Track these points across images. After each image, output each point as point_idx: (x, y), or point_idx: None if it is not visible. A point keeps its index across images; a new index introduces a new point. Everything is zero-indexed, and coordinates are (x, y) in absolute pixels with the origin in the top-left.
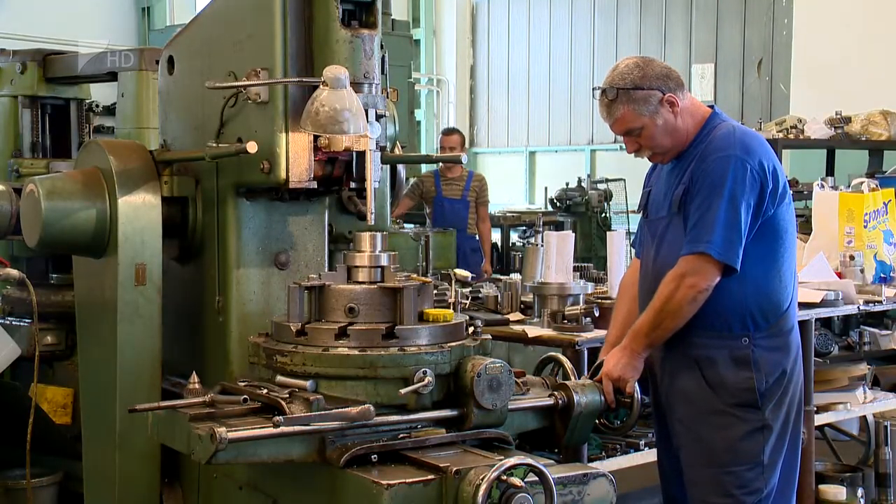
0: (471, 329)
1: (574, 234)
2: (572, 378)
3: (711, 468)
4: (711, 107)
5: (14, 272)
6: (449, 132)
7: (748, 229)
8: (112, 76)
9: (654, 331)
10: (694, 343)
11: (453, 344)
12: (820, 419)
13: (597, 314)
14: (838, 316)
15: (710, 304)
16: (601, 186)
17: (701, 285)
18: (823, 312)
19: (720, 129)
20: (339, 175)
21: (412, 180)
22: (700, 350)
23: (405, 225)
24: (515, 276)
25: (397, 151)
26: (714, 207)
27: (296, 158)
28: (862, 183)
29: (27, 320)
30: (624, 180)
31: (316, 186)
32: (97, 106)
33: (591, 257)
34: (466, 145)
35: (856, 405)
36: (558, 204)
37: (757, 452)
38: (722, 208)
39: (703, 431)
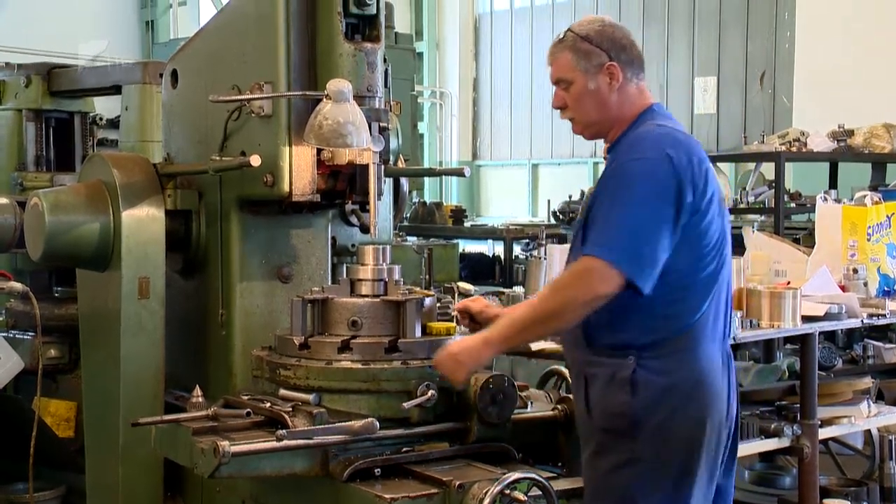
0: None
1: None
2: None
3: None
4: (659, 104)
5: (18, 285)
6: None
7: (646, 232)
8: (116, 89)
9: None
10: (582, 360)
11: None
12: (824, 433)
13: None
14: (842, 329)
15: (596, 315)
16: None
17: (593, 290)
18: (827, 326)
19: (642, 128)
20: (342, 188)
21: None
22: (587, 368)
23: (408, 238)
24: (518, 289)
25: (400, 164)
26: (604, 211)
27: (299, 172)
28: (865, 196)
29: (31, 333)
30: None
31: (319, 199)
32: (101, 119)
33: None
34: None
35: (860, 419)
36: (561, 217)
37: (620, 488)
38: (610, 210)
39: (583, 459)
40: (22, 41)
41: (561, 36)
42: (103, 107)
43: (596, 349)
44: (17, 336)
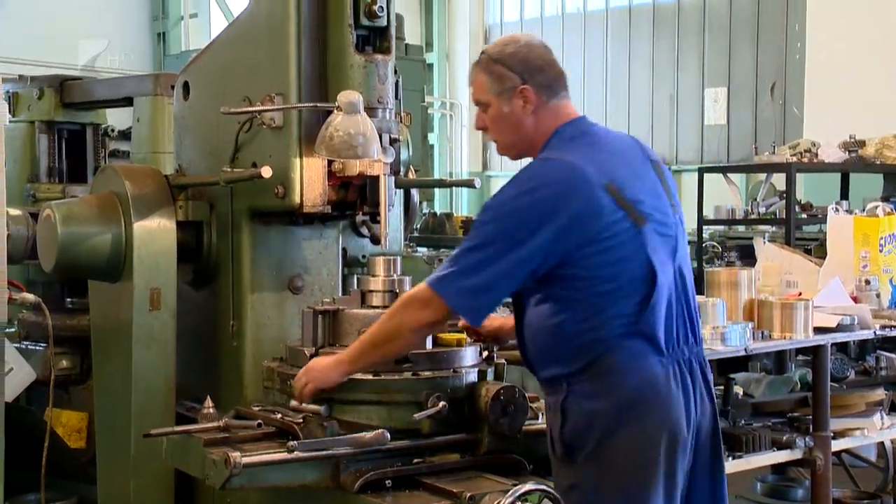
0: (485, 353)
1: None
2: None
3: None
4: (575, 120)
5: (30, 296)
6: None
7: (483, 265)
8: (128, 101)
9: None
10: (540, 389)
11: (467, 368)
12: (837, 445)
13: None
14: (854, 341)
15: (528, 350)
16: None
17: (419, 319)
18: (839, 337)
19: (535, 160)
20: (353, 199)
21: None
22: (544, 397)
23: (418, 248)
24: None
25: (411, 175)
26: (464, 241)
27: (310, 183)
28: (877, 207)
29: (42, 344)
30: None
31: (330, 211)
32: (113, 131)
33: None
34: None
35: (873, 431)
36: None
37: None
38: (464, 241)
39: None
40: (31, 54)
41: (478, 57)
42: (115, 118)
43: (541, 381)
44: (29, 347)
